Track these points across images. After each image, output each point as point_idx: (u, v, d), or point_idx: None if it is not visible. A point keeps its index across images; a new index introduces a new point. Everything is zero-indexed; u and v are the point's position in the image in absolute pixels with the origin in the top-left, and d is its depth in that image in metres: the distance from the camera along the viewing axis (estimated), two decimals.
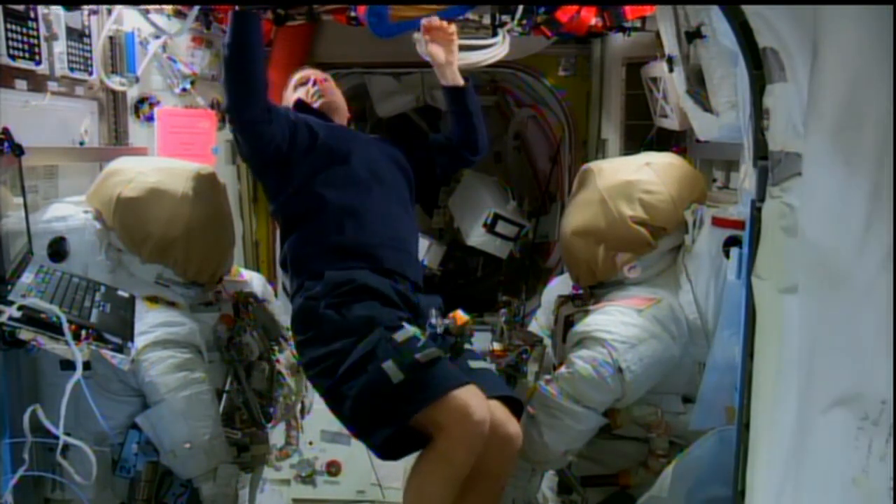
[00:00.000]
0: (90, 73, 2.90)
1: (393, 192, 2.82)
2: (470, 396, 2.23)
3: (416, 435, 2.28)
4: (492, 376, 2.54)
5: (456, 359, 2.47)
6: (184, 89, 3.51)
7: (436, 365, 2.28)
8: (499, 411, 2.37)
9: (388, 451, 2.36)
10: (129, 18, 3.11)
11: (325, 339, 2.45)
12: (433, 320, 2.50)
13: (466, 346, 2.56)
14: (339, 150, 2.76)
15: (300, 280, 2.65)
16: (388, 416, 2.27)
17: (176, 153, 3.35)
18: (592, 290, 3.03)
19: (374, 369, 2.28)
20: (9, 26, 2.34)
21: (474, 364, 2.53)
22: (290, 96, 3.03)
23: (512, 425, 2.39)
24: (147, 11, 2.90)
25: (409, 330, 2.39)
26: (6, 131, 2.20)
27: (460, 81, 2.90)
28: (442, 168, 3.08)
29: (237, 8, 2.50)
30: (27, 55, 2.44)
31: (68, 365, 1.99)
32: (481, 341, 4.32)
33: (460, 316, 2.51)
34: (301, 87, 3.02)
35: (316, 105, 2.97)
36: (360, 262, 2.59)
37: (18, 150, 2.22)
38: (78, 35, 2.80)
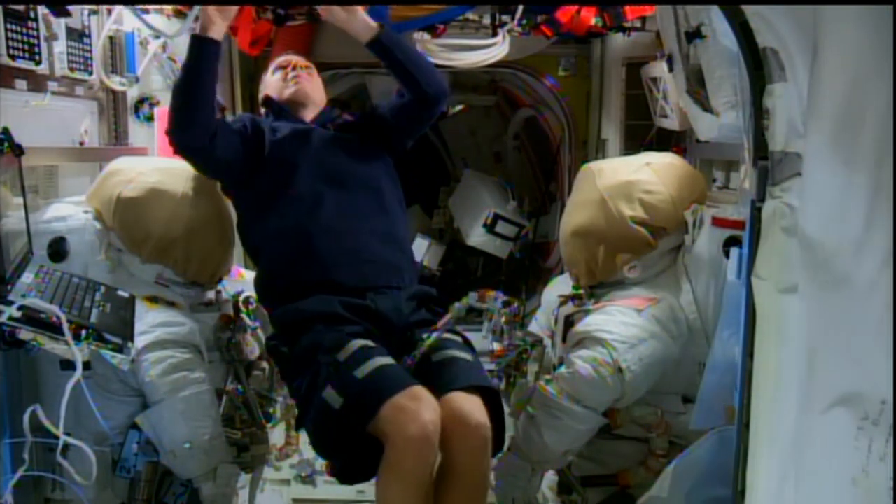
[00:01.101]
0: (90, 73, 2.90)
1: (356, 194, 2.65)
2: (407, 401, 2.12)
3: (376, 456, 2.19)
4: (462, 367, 2.37)
5: (423, 353, 2.39)
6: None
7: (376, 377, 2.20)
8: (462, 402, 2.23)
9: (350, 475, 2.33)
10: (129, 18, 3.11)
11: (287, 377, 2.50)
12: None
13: (447, 335, 2.46)
14: (286, 165, 2.64)
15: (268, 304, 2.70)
16: (339, 443, 2.24)
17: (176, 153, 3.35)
18: (592, 290, 3.03)
19: (317, 400, 2.23)
20: (9, 26, 2.34)
21: (439, 356, 2.40)
22: (268, 80, 2.94)
23: (477, 414, 2.22)
24: (146, 11, 2.90)
25: (353, 344, 2.28)
26: (6, 131, 2.19)
27: (375, 28, 2.61)
28: (408, 132, 2.83)
29: (197, 32, 2.45)
30: (27, 55, 2.44)
31: (68, 365, 1.99)
32: (482, 341, 4.36)
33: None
34: (280, 71, 2.91)
35: (288, 92, 2.85)
36: (314, 290, 2.49)
37: (18, 150, 2.22)
38: (78, 35, 2.81)
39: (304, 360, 2.35)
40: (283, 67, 2.92)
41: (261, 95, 2.99)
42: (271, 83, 2.92)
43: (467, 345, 2.52)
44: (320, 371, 2.27)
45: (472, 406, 2.24)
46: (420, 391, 2.18)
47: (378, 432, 2.14)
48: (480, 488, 2.28)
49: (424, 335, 2.45)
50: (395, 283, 2.56)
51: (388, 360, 2.27)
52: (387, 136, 2.81)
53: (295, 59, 2.96)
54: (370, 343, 2.32)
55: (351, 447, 2.21)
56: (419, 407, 2.12)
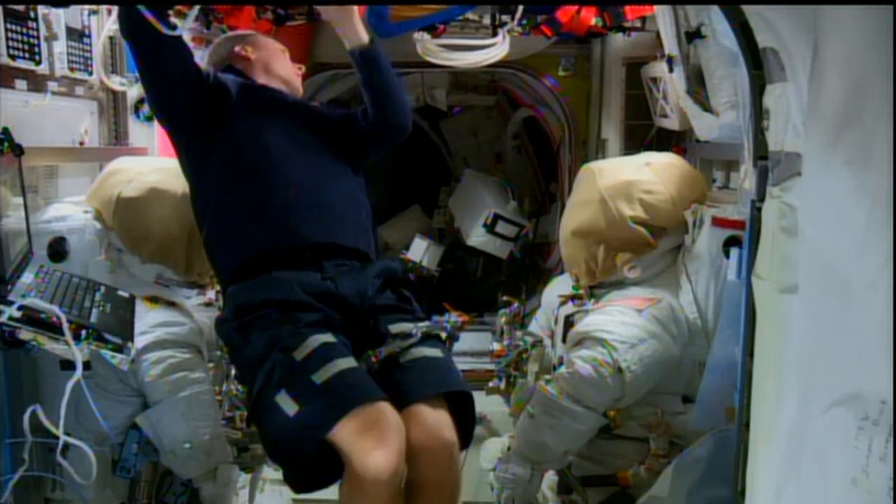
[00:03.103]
0: (90, 74, 2.90)
1: (323, 158, 2.52)
2: (367, 425, 1.97)
3: (330, 464, 2.07)
4: (432, 369, 2.24)
5: (391, 348, 2.25)
6: None
7: (337, 384, 2.05)
8: (429, 416, 2.12)
9: (303, 485, 2.19)
10: None
11: (239, 369, 2.31)
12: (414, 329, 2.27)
13: (424, 330, 2.31)
14: (251, 114, 2.47)
15: (222, 286, 2.45)
16: (293, 450, 2.07)
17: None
18: (592, 290, 3.03)
19: (270, 404, 2.07)
20: (9, 26, 2.34)
21: (409, 355, 2.25)
22: (274, 50, 2.75)
23: (444, 431, 2.11)
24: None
25: (311, 342, 2.12)
26: (6, 131, 2.19)
27: (365, 38, 2.48)
28: (359, 155, 2.67)
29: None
30: (27, 55, 2.44)
31: (68, 365, 1.99)
32: (482, 341, 4.37)
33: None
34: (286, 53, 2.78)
35: (293, 79, 2.73)
36: (271, 245, 2.34)
37: (18, 150, 2.22)
38: (78, 35, 2.80)
39: (258, 356, 2.16)
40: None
41: (237, 52, 2.72)
42: (279, 57, 2.75)
43: (437, 338, 2.35)
44: (275, 370, 2.11)
45: (439, 421, 2.13)
46: (382, 411, 2.02)
47: (336, 446, 2.00)
48: (451, 499, 2.19)
49: (391, 328, 2.29)
50: (363, 245, 2.45)
51: (349, 362, 2.12)
52: (347, 142, 2.65)
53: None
54: (330, 339, 2.16)
55: (304, 455, 2.05)
56: (382, 435, 1.97)
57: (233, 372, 3.01)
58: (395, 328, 2.30)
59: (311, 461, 2.08)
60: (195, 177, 2.53)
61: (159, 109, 2.48)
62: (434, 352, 2.28)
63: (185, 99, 2.39)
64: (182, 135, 2.51)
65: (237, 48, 2.72)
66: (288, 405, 2.05)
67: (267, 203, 2.39)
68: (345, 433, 1.98)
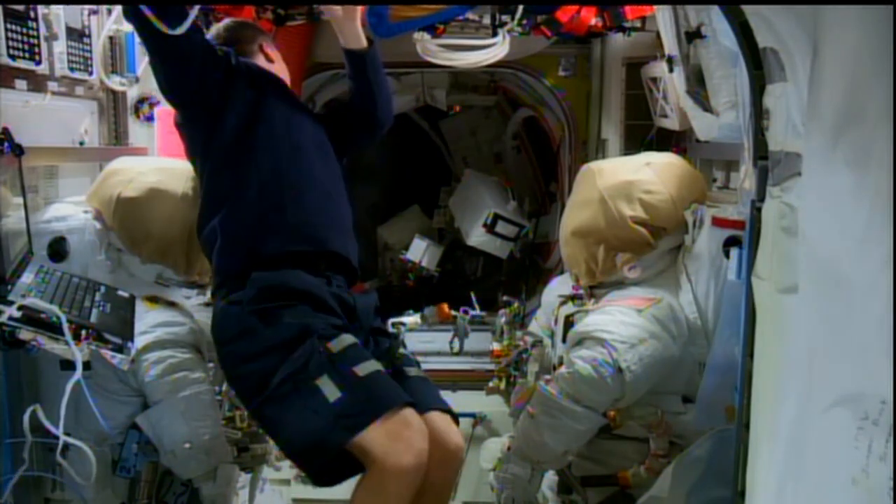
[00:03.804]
0: (90, 73, 2.90)
1: (331, 166, 2.57)
2: (402, 427, 2.06)
3: (350, 458, 2.11)
4: (428, 386, 2.41)
5: (393, 364, 2.36)
6: None
7: (375, 379, 2.13)
8: (439, 422, 2.25)
9: (325, 477, 2.21)
10: None
11: (252, 352, 2.20)
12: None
13: (401, 351, 2.46)
14: (282, 108, 2.48)
15: (226, 274, 2.36)
16: (325, 439, 2.06)
17: (176, 153, 3.35)
18: (592, 290, 3.03)
19: (308, 387, 2.08)
20: (9, 26, 2.34)
21: (410, 371, 2.40)
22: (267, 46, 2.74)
23: (453, 437, 2.27)
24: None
25: (345, 339, 2.18)
26: (6, 131, 2.20)
27: (363, 42, 2.53)
28: (348, 150, 2.74)
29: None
30: (27, 55, 2.44)
31: (68, 365, 1.99)
32: (481, 341, 4.37)
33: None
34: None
35: (284, 74, 2.73)
36: (300, 244, 2.35)
37: (18, 150, 2.22)
38: (78, 35, 2.81)
39: (289, 340, 2.16)
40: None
41: (266, 50, 2.73)
42: (278, 54, 2.77)
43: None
44: (313, 355, 2.12)
45: (448, 427, 2.29)
46: (413, 415, 2.13)
47: (363, 447, 2.03)
48: (447, 500, 2.36)
49: (392, 346, 2.46)
50: (354, 261, 2.50)
51: (380, 365, 2.20)
52: (338, 136, 2.68)
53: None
54: (358, 342, 2.24)
55: (334, 446, 2.06)
56: (413, 435, 2.08)
57: None
58: (390, 347, 2.45)
59: (337, 454, 2.09)
60: (229, 157, 2.41)
61: (189, 90, 2.36)
62: (422, 373, 2.47)
63: (212, 85, 2.35)
64: (213, 118, 2.40)
65: (266, 46, 2.72)
66: (330, 390, 2.06)
67: (307, 201, 2.41)
68: (381, 431, 2.03)
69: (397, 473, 2.02)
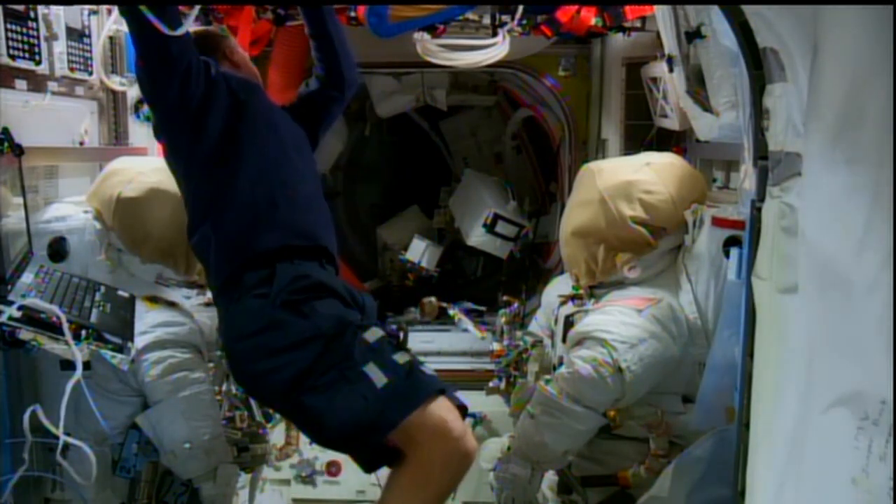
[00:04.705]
0: (90, 73, 2.90)
1: (311, 164, 2.64)
2: (446, 410, 2.12)
3: (390, 446, 2.16)
4: (439, 380, 2.35)
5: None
6: None
7: (415, 366, 2.17)
8: (460, 424, 2.23)
9: (373, 462, 2.26)
10: None
11: (285, 344, 2.18)
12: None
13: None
14: (262, 111, 2.50)
15: (234, 269, 2.31)
16: (379, 420, 2.10)
17: None
18: (592, 290, 3.03)
19: (355, 374, 2.11)
20: (9, 26, 2.34)
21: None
22: (238, 49, 2.75)
23: (470, 440, 2.23)
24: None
25: (377, 330, 2.24)
26: (6, 131, 2.20)
27: None
28: (319, 123, 2.76)
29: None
30: (27, 55, 2.44)
31: (68, 365, 1.99)
32: (482, 341, 4.37)
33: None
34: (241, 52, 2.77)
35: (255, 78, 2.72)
36: (297, 239, 2.36)
37: (18, 150, 2.22)
38: (78, 35, 2.81)
39: (328, 330, 2.17)
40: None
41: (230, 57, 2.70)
42: (243, 56, 2.74)
43: None
44: (355, 345, 2.15)
45: (465, 429, 2.27)
46: (450, 402, 2.17)
47: (406, 433, 2.08)
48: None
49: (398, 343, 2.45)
50: (336, 253, 2.53)
51: (411, 355, 2.25)
52: (304, 125, 2.69)
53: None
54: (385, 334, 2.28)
55: (388, 426, 2.09)
56: (457, 418, 2.14)
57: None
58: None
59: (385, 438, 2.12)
60: (216, 161, 2.40)
61: (171, 102, 2.35)
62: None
63: (195, 89, 2.33)
64: (197, 124, 2.39)
65: (231, 53, 2.69)
66: (377, 376, 2.10)
67: (297, 198, 2.43)
68: (427, 419, 2.08)
69: (441, 456, 2.09)
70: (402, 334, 2.43)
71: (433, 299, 4.66)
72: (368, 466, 2.29)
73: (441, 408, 2.12)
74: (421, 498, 2.12)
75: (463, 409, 2.27)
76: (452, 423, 2.11)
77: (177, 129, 2.43)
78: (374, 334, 2.21)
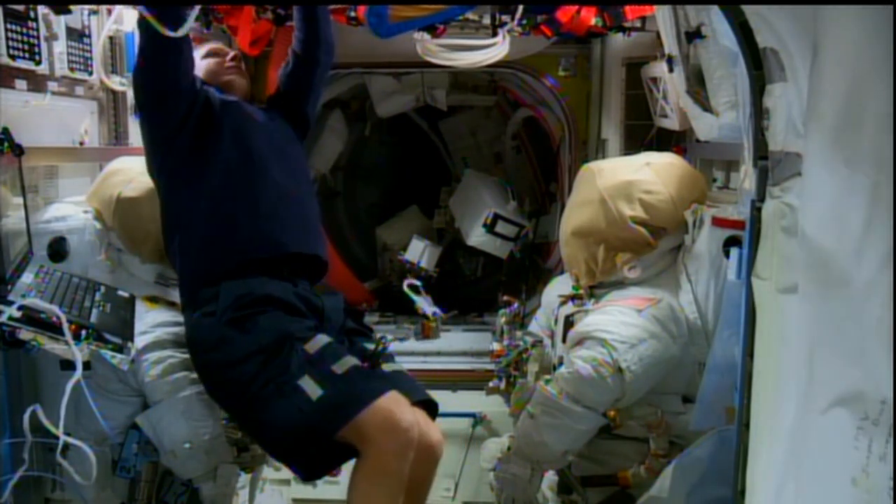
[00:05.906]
0: (90, 73, 2.90)
1: (291, 165, 2.70)
2: (393, 404, 2.17)
3: (336, 450, 2.21)
4: (408, 379, 2.47)
5: (374, 364, 2.42)
6: None
7: (354, 374, 2.21)
8: (421, 418, 2.31)
9: (312, 471, 2.29)
10: (129, 18, 3.11)
11: (231, 360, 2.27)
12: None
13: (379, 349, 2.50)
14: (232, 125, 2.59)
15: (192, 286, 2.47)
16: (311, 435, 2.17)
17: None
18: (592, 290, 3.03)
19: (290, 387, 2.17)
20: (9, 26, 2.34)
21: (389, 367, 2.48)
22: (199, 64, 2.82)
23: (434, 433, 2.34)
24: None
25: (321, 339, 2.28)
26: (6, 131, 2.20)
27: None
28: (305, 94, 2.87)
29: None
30: (27, 55, 2.44)
31: (68, 365, 1.99)
32: (482, 341, 4.37)
33: None
34: (215, 57, 2.88)
35: (225, 78, 2.83)
36: (258, 252, 2.45)
37: (18, 150, 2.22)
38: (78, 35, 2.80)
39: (268, 344, 2.24)
40: (216, 54, 2.89)
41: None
42: (203, 66, 2.83)
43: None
44: (291, 358, 2.20)
45: (429, 423, 2.37)
46: (399, 395, 2.23)
47: (354, 433, 2.13)
48: (425, 499, 2.43)
49: (365, 343, 2.53)
50: (323, 255, 2.63)
51: (357, 360, 2.29)
52: (292, 110, 2.83)
53: (226, 49, 2.97)
54: (333, 340, 2.32)
55: (325, 436, 2.16)
56: (405, 410, 2.19)
57: None
58: (369, 344, 2.53)
59: (325, 446, 2.18)
60: (183, 177, 2.55)
61: (159, 109, 2.52)
62: (401, 367, 2.55)
63: (184, 100, 2.50)
64: (173, 137, 2.54)
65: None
66: (311, 388, 2.15)
67: (260, 209, 2.51)
68: (371, 418, 2.11)
69: (394, 447, 2.12)
70: (379, 348, 2.45)
71: (435, 323, 4.62)
72: (308, 475, 2.32)
73: (389, 401, 2.17)
74: (381, 492, 2.16)
75: (429, 405, 2.41)
76: (401, 415, 2.15)
77: (156, 137, 2.56)
78: (317, 343, 2.25)
